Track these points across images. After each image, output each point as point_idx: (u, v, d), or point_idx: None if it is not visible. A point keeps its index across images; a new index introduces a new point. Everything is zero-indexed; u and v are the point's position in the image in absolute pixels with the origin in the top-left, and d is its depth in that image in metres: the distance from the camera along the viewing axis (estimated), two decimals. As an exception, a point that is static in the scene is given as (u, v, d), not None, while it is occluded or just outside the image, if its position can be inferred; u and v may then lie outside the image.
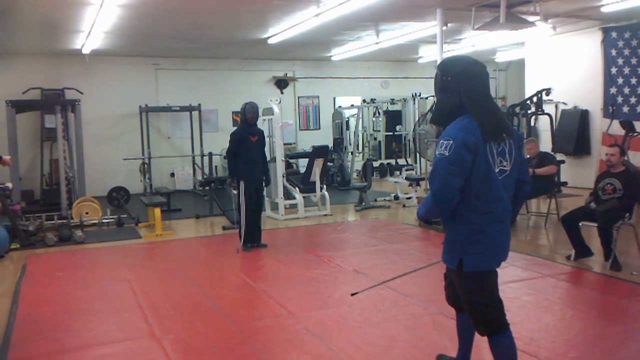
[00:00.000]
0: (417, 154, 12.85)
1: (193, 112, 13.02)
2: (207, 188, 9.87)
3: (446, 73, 2.81)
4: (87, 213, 8.86)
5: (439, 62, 3.07)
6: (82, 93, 11.86)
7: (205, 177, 11.78)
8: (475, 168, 2.68)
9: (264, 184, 7.10)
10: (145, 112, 12.53)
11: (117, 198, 10.85)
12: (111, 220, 8.85)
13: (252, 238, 6.98)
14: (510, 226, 2.91)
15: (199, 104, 12.92)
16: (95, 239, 7.94)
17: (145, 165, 12.24)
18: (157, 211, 8.21)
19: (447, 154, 2.65)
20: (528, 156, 8.07)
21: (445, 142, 2.68)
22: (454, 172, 2.65)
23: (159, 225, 8.15)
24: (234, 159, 6.89)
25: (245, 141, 6.88)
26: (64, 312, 4.83)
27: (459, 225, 2.81)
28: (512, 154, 2.81)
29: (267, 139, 9.78)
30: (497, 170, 2.75)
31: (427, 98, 13.48)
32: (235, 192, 6.89)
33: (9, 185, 8.02)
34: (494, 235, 2.79)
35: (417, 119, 13.23)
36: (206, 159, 12.24)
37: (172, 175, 13.39)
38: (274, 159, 9.15)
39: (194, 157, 13.04)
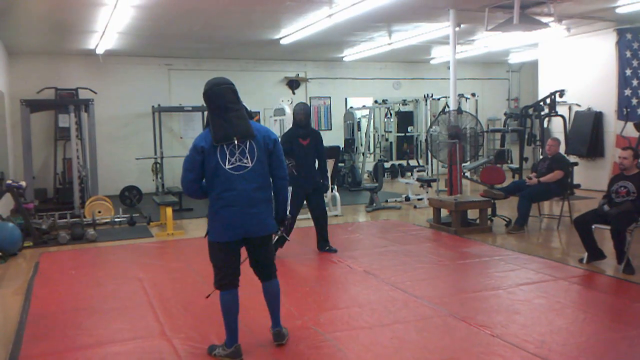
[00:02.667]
0: (429, 155, 12.84)
1: (205, 112, 13.03)
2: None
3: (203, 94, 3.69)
4: (99, 212, 8.93)
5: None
6: (95, 93, 11.94)
7: (216, 177, 11.81)
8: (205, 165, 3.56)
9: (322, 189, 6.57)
10: (157, 112, 12.60)
11: (130, 197, 10.92)
12: (123, 219, 8.91)
13: (319, 244, 6.68)
14: (249, 210, 3.63)
15: (211, 104, 12.94)
16: (107, 237, 8.00)
17: (158, 165, 12.31)
18: (169, 210, 8.25)
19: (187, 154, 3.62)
20: (546, 155, 8.03)
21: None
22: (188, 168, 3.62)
23: (171, 225, 8.18)
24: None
25: (293, 143, 6.34)
26: (76, 310, 4.87)
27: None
28: (253, 152, 3.60)
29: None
30: (230, 166, 3.54)
31: (439, 99, 13.47)
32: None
33: (23, 183, 8.11)
34: (225, 216, 3.60)
35: (429, 120, 13.22)
36: (218, 159, 12.28)
37: (184, 174, 13.43)
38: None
39: (205, 157, 13.06)
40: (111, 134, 12.64)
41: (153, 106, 12.70)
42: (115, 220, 8.82)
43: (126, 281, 5.75)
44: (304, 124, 6.41)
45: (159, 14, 8.58)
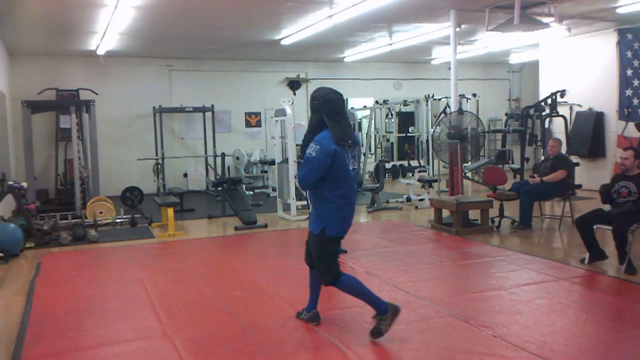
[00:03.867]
0: (430, 156, 12.84)
1: (206, 113, 13.08)
2: (219, 189, 9.91)
3: (314, 98, 3.96)
4: (100, 213, 8.93)
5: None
6: (96, 94, 11.96)
7: (217, 177, 11.83)
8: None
9: None
10: (159, 112, 12.61)
11: (131, 198, 10.93)
12: (125, 220, 8.91)
13: None
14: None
15: (212, 105, 12.97)
16: (108, 238, 8.00)
17: (159, 166, 12.32)
18: (170, 211, 8.25)
19: (313, 155, 3.78)
20: (548, 155, 8.03)
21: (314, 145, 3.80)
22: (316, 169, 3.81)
23: (172, 225, 8.19)
24: None
25: None
26: (78, 311, 4.87)
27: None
28: (355, 157, 3.97)
29: (279, 140, 9.82)
30: (350, 168, 3.91)
31: (440, 99, 13.46)
32: None
33: (24, 184, 8.12)
34: (346, 212, 3.95)
35: (429, 120, 13.23)
36: (219, 159, 12.30)
37: (185, 175, 13.46)
38: (286, 160, 9.15)
39: (206, 158, 13.10)
40: (112, 134, 12.66)
41: (154, 107, 12.71)
42: (117, 221, 8.82)
43: (128, 282, 5.75)
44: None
45: (159, 14, 8.58)
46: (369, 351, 3.81)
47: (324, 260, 3.96)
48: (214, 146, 12.86)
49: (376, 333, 3.95)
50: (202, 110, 12.96)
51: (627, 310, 4.67)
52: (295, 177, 4.00)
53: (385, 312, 3.96)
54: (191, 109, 12.84)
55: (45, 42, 10.71)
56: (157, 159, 12.37)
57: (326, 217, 3.90)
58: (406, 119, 15.69)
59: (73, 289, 5.60)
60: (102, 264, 6.76)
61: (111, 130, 12.64)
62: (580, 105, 11.68)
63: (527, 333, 4.03)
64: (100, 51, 11.29)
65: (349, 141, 3.87)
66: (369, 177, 14.07)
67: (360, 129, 14.16)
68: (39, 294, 5.40)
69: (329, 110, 3.88)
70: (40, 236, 7.68)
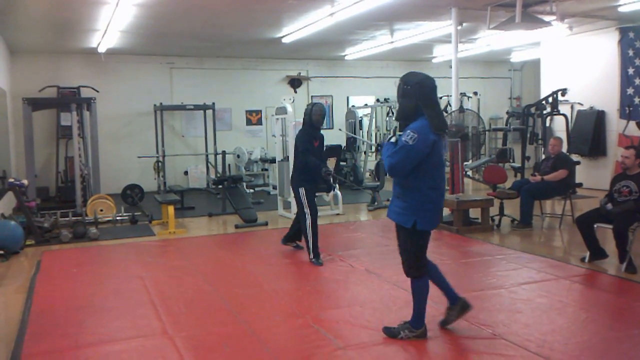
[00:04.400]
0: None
1: (207, 111, 13.07)
2: (220, 186, 9.91)
3: (407, 83, 3.80)
4: (101, 210, 8.93)
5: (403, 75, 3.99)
6: (97, 91, 11.96)
7: (218, 175, 11.83)
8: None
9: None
10: (159, 110, 12.61)
11: (132, 196, 10.93)
12: (125, 217, 8.91)
13: (295, 237, 6.78)
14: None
15: (213, 103, 12.97)
16: (109, 236, 8.01)
17: (160, 164, 12.32)
18: (171, 209, 8.26)
19: (410, 143, 3.61)
20: (549, 154, 8.02)
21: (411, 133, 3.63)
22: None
23: (172, 223, 8.19)
24: (308, 157, 6.11)
25: (311, 144, 6.21)
26: (78, 308, 4.88)
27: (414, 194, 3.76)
28: (445, 147, 3.84)
29: (280, 138, 9.82)
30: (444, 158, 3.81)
31: (441, 98, 13.41)
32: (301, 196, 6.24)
33: (25, 182, 8.12)
34: (437, 204, 3.84)
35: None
36: (219, 157, 12.30)
37: (186, 173, 13.45)
38: (287, 158, 9.15)
39: (207, 156, 13.09)
40: (113, 132, 12.66)
41: (155, 105, 12.70)
42: (117, 218, 8.83)
43: (128, 279, 5.75)
44: (320, 125, 6.33)
45: (160, 12, 8.58)
46: (368, 349, 3.81)
47: (413, 253, 3.82)
48: (215, 144, 12.86)
49: (391, 333, 3.95)
50: (203, 108, 12.95)
51: (627, 309, 4.67)
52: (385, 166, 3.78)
53: (418, 327, 3.91)
54: (192, 107, 12.82)
55: (46, 39, 10.71)
56: (157, 157, 12.37)
57: (418, 209, 3.72)
58: (407, 117, 15.65)
59: (73, 286, 5.61)
60: (102, 261, 6.76)
61: (112, 127, 12.64)
62: (582, 104, 11.67)
63: (527, 332, 4.03)
64: (102, 49, 11.28)
65: (446, 130, 3.76)
66: (370, 175, 14.07)
67: (361, 127, 14.15)
68: (39, 291, 5.41)
69: (425, 97, 3.71)
70: (40, 234, 7.68)
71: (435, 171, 3.73)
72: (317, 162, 6.11)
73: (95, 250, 7.33)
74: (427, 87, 3.73)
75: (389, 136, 3.86)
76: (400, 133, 3.77)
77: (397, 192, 3.84)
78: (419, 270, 3.84)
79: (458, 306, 3.99)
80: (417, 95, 3.71)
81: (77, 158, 9.71)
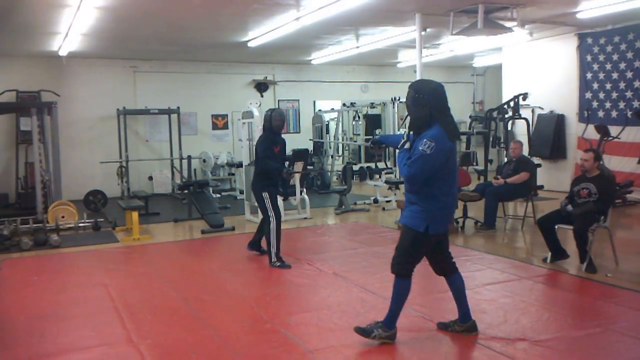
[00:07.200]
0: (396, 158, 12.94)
1: (172, 115, 12.93)
2: (185, 191, 9.80)
3: (419, 92, 3.76)
4: (63, 217, 8.74)
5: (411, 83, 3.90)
6: (58, 95, 11.71)
7: (183, 180, 11.70)
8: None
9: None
10: (123, 114, 12.41)
11: (94, 202, 10.72)
12: (88, 224, 8.74)
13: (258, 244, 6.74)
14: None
15: (178, 107, 12.83)
16: (71, 243, 7.84)
17: (123, 169, 12.13)
18: (135, 215, 8.13)
19: (428, 152, 3.59)
20: (511, 157, 8.18)
21: (429, 142, 3.61)
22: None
23: (137, 229, 8.06)
24: (267, 162, 6.17)
25: (271, 150, 6.24)
26: (39, 317, 4.76)
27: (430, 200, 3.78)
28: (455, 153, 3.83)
29: (246, 142, 9.77)
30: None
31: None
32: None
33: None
34: (449, 209, 3.93)
35: (396, 122, 13.33)
36: (185, 162, 12.17)
37: (150, 178, 13.27)
38: (253, 163, 9.09)
39: (172, 161, 12.95)
40: (75, 137, 12.39)
41: (118, 109, 12.50)
42: (80, 225, 8.65)
43: (91, 287, 5.64)
44: (280, 130, 6.39)
45: (123, 15, 8.45)
46: (336, 352, 3.82)
47: (409, 253, 3.81)
48: (180, 148, 12.72)
49: (363, 332, 3.90)
50: (168, 112, 12.81)
51: (589, 307, 4.79)
52: (402, 174, 3.81)
53: (390, 328, 3.91)
54: (156, 111, 12.67)
55: (4, 42, 10.42)
56: (121, 162, 12.17)
57: (433, 215, 3.76)
58: (373, 122, 15.77)
59: (35, 295, 5.47)
60: (64, 269, 6.61)
61: (74, 132, 12.37)
62: (542, 108, 11.95)
63: (492, 331, 4.10)
64: (63, 52, 11.05)
65: (460, 136, 3.84)
66: (337, 179, 14.12)
67: (327, 132, 14.20)
68: (-1, 301, 5.26)
69: (439, 105, 3.73)
70: (0, 241, 7.47)
71: (450, 177, 3.80)
72: (275, 165, 6.16)
73: (57, 257, 7.16)
74: (441, 94, 3.76)
75: (402, 141, 3.86)
76: (407, 139, 3.83)
77: (411, 199, 3.84)
78: (407, 269, 3.83)
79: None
80: (431, 103, 3.71)
81: (38, 164, 9.49)
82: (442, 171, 3.70)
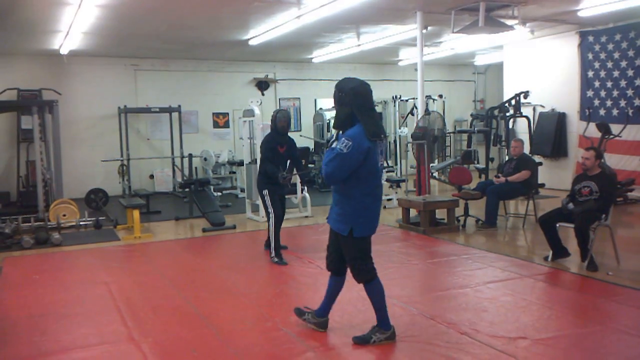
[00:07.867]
0: (397, 156, 12.94)
1: (173, 114, 12.93)
2: (186, 190, 9.81)
3: (342, 90, 3.74)
4: (64, 215, 8.74)
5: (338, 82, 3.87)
6: (60, 94, 11.72)
7: (185, 178, 11.71)
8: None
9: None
10: (124, 113, 12.41)
11: (95, 200, 10.73)
12: (89, 222, 8.74)
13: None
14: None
15: (179, 105, 12.84)
16: (72, 241, 7.84)
17: (124, 167, 12.13)
18: (136, 213, 8.14)
19: (345, 151, 3.58)
20: (512, 156, 8.18)
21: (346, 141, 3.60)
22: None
23: (138, 228, 8.08)
24: (265, 165, 6.29)
25: (273, 151, 6.34)
26: (41, 316, 4.76)
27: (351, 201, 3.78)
28: (382, 152, 3.83)
29: (247, 141, 9.77)
30: (379, 163, 3.79)
31: (407, 100, 13.58)
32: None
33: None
34: (374, 210, 3.86)
35: (397, 121, 13.34)
36: (186, 160, 12.18)
37: (152, 177, 13.28)
38: (255, 161, 9.12)
39: (173, 159, 12.95)
40: (76, 135, 12.40)
41: (119, 107, 12.51)
42: (81, 223, 8.65)
43: (92, 286, 5.64)
44: (285, 131, 6.43)
45: (124, 13, 8.45)
46: (337, 351, 3.82)
47: (358, 259, 3.82)
48: (181, 147, 12.73)
49: (363, 340, 3.89)
50: (169, 110, 12.81)
51: (590, 305, 4.79)
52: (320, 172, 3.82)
53: (387, 328, 3.90)
54: (157, 110, 12.67)
55: (6, 41, 10.43)
56: (122, 160, 12.18)
57: (353, 216, 3.75)
58: (374, 120, 15.75)
59: (36, 293, 5.47)
60: (66, 267, 6.62)
61: (75, 131, 12.37)
62: (543, 106, 11.94)
63: (493, 330, 4.10)
64: (64, 50, 11.05)
65: (382, 136, 3.75)
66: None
67: (329, 130, 14.18)
68: (1, 299, 5.27)
69: (360, 103, 3.69)
70: (1, 240, 7.49)
71: (370, 177, 3.74)
72: (272, 169, 6.20)
73: (58, 256, 7.17)
74: (361, 93, 3.72)
75: (331, 140, 3.87)
76: (335, 138, 3.83)
77: (335, 199, 3.87)
78: (368, 273, 3.84)
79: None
80: (351, 101, 3.69)
81: (39, 162, 9.49)
82: (361, 171, 3.66)
